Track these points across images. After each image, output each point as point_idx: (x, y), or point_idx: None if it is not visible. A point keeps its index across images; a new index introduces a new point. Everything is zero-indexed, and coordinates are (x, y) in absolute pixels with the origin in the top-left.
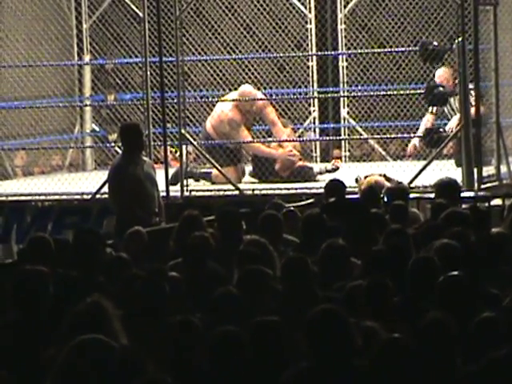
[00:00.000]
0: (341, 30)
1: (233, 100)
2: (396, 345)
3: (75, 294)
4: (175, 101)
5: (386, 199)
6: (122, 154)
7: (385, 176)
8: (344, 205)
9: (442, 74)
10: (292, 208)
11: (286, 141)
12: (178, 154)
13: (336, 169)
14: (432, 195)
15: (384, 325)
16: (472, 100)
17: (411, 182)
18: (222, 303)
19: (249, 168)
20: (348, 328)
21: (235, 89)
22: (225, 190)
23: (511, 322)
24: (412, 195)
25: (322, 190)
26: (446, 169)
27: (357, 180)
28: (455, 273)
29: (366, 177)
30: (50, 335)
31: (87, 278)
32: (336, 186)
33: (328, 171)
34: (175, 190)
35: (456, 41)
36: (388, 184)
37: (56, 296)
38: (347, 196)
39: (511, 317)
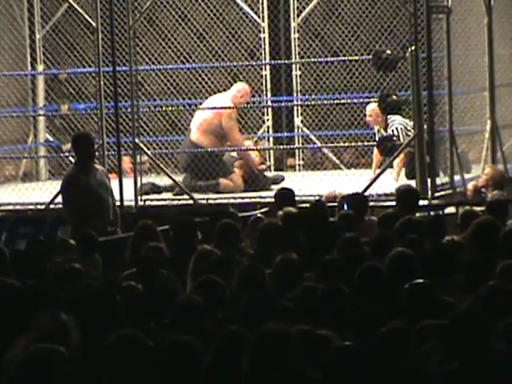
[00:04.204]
0: (294, 38)
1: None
2: (347, 352)
3: (30, 304)
4: (129, 110)
5: (345, 207)
6: (75, 163)
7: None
8: (301, 214)
9: (374, 108)
10: (259, 215)
11: (248, 149)
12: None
13: None
14: (385, 203)
15: (338, 332)
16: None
17: (365, 190)
18: (185, 311)
19: None
20: (292, 349)
21: (189, 98)
22: (179, 200)
23: (462, 329)
24: None
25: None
26: (400, 178)
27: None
28: (420, 280)
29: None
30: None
31: (40, 289)
32: (286, 195)
33: None
34: (129, 200)
35: (409, 49)
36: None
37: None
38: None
39: (463, 324)
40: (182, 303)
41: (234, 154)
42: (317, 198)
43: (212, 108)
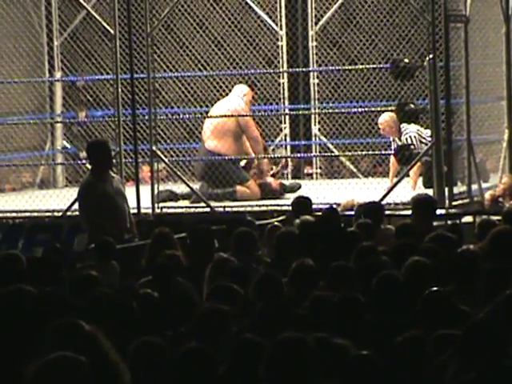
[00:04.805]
0: (312, 47)
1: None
2: (363, 361)
3: (46, 311)
4: (146, 118)
5: (361, 216)
6: (91, 171)
7: None
8: (319, 224)
9: (387, 120)
10: (276, 223)
11: (264, 157)
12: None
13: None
14: (403, 212)
15: (355, 341)
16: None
17: (382, 199)
18: (211, 319)
19: None
20: (309, 358)
21: (206, 106)
22: (196, 207)
23: (478, 339)
24: None
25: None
26: (417, 186)
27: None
28: (435, 289)
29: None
30: (27, 351)
31: (57, 296)
32: (303, 203)
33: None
34: (146, 207)
35: (427, 58)
36: None
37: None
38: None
39: (479, 334)
40: (207, 311)
41: (242, 163)
42: (332, 205)
43: (225, 116)
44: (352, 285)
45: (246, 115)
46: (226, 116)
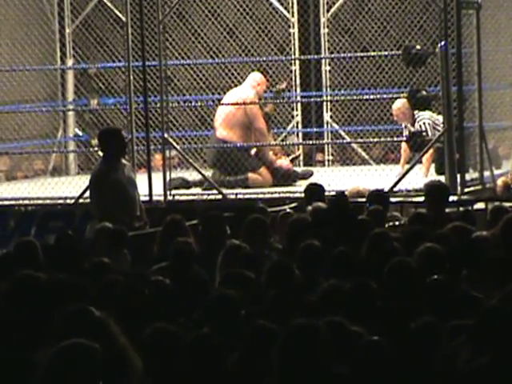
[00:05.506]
0: (324, 34)
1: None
2: (375, 347)
3: (61, 297)
4: (158, 105)
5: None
6: (103, 159)
7: None
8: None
9: (399, 107)
10: (288, 210)
11: (277, 145)
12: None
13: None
14: (415, 199)
15: (366, 327)
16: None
17: (394, 186)
18: (219, 305)
19: None
20: (321, 344)
21: (218, 93)
22: (208, 194)
23: (491, 325)
24: (395, 199)
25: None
26: (430, 173)
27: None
28: (436, 277)
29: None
30: (38, 337)
31: (68, 282)
32: (315, 190)
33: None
34: (158, 194)
35: (439, 44)
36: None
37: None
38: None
39: (491, 321)
40: (218, 297)
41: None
42: (341, 192)
43: (235, 104)
44: (356, 271)
45: (256, 103)
46: (236, 104)
